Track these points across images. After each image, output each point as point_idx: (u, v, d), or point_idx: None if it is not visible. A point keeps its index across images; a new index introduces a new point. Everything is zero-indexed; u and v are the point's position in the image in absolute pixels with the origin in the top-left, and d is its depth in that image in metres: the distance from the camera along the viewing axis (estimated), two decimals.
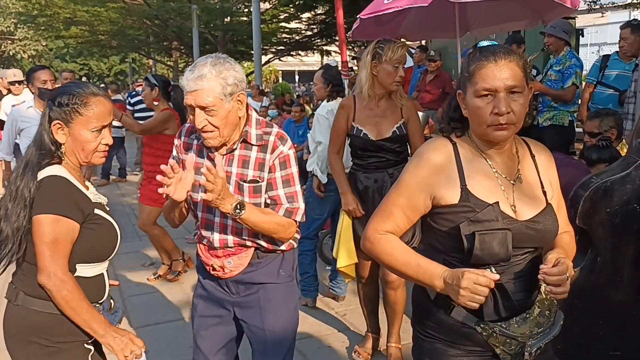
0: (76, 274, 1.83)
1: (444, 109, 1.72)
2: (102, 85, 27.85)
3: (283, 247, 2.13)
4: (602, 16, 18.35)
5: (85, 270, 1.87)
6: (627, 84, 5.27)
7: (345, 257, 3.27)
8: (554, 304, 1.61)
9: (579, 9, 5.49)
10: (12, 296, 1.86)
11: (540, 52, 5.44)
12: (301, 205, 2.07)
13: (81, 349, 1.89)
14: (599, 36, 19.96)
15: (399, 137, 3.13)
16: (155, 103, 4.51)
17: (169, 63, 24.31)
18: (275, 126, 2.11)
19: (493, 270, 1.46)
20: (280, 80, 21.71)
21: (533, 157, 1.66)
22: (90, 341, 1.89)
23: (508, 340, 1.55)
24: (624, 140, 3.88)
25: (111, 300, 2.03)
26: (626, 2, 13.74)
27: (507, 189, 1.57)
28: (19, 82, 5.84)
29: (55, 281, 1.73)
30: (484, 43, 1.59)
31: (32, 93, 4.46)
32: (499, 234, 1.48)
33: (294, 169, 2.06)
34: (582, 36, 8.43)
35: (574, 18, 7.13)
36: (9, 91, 6.01)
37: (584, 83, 5.40)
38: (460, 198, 1.55)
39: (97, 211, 1.88)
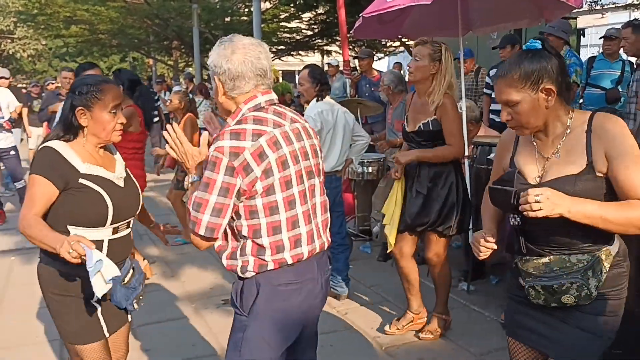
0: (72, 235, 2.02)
1: None
2: None
3: (239, 272, 1.86)
4: (603, 17, 18.34)
5: (80, 232, 2.07)
6: (612, 82, 5.34)
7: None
8: (571, 269, 1.80)
9: (579, 10, 5.49)
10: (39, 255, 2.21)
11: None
12: (205, 217, 1.75)
13: (86, 305, 2.17)
14: (599, 37, 19.92)
15: (423, 132, 3.38)
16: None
17: (169, 62, 24.28)
18: (241, 124, 1.82)
19: (517, 218, 1.84)
20: (281, 80, 21.67)
21: (588, 131, 1.80)
22: (94, 300, 2.17)
23: (519, 273, 1.92)
24: None
25: (129, 274, 2.16)
26: (626, 3, 13.73)
27: (539, 162, 1.88)
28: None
29: (21, 224, 2.00)
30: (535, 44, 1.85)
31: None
32: (501, 191, 1.83)
33: (215, 176, 1.74)
34: (584, 36, 8.45)
35: (575, 18, 7.15)
36: None
37: None
38: (509, 165, 1.98)
39: (83, 181, 2.12)
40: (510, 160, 1.97)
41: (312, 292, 1.91)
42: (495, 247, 1.91)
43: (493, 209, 2.04)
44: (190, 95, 6.44)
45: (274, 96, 1.92)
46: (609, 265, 1.81)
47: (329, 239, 2.03)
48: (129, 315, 2.41)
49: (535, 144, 1.90)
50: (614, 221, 1.69)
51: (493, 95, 6.01)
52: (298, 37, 16.86)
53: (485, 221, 2.07)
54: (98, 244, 2.11)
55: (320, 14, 15.29)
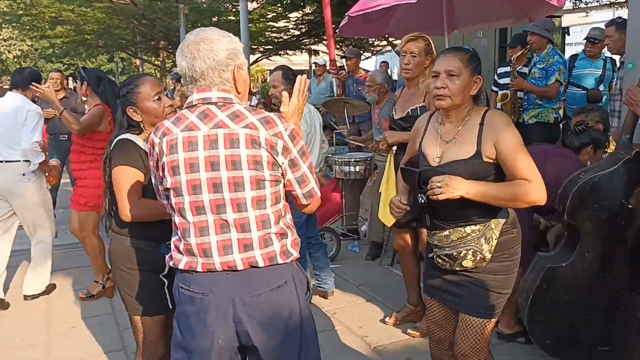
0: None
1: None
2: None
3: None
4: (587, 15, 18.49)
5: None
6: (593, 82, 5.39)
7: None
8: (466, 238, 2.15)
9: (563, 8, 5.54)
10: (110, 234, 2.41)
11: (524, 50, 5.49)
12: None
13: (155, 279, 2.34)
14: (584, 35, 20.00)
15: (411, 117, 3.42)
16: (84, 98, 4.21)
17: (156, 63, 24.14)
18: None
19: (423, 197, 2.13)
20: (268, 80, 21.66)
21: (481, 124, 2.15)
22: (164, 274, 2.32)
23: (430, 245, 2.29)
24: (610, 137, 3.91)
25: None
26: (611, 1, 13.84)
27: (440, 146, 2.23)
28: None
29: (126, 214, 2.23)
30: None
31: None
32: (411, 172, 2.22)
33: None
34: (568, 35, 8.51)
35: (559, 17, 7.20)
36: None
37: None
38: (418, 149, 2.34)
39: None
40: (419, 145, 2.33)
41: (207, 311, 1.77)
42: (407, 208, 2.27)
43: (405, 185, 2.44)
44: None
45: (213, 94, 1.76)
46: (498, 233, 2.16)
47: (252, 262, 1.76)
48: None
49: (439, 130, 2.26)
50: (504, 197, 2.08)
51: (500, 93, 6.04)
52: (285, 37, 16.83)
53: (400, 190, 2.51)
54: (167, 222, 2.14)
55: (308, 13, 15.28)
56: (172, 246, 1.85)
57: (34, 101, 4.50)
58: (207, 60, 1.74)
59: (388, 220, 3.57)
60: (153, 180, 1.92)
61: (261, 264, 1.77)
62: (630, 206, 2.73)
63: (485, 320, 2.24)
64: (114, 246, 2.41)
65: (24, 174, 4.29)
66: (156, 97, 2.39)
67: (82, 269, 4.90)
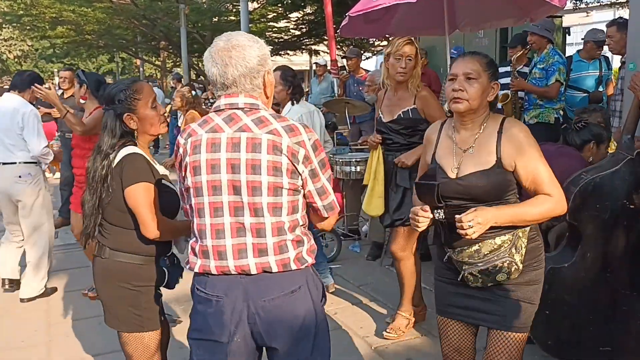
0: None
1: None
2: None
3: None
4: (587, 15, 18.48)
5: None
6: (593, 84, 5.38)
7: (376, 206, 3.62)
8: (499, 250, 2.03)
9: (564, 9, 5.52)
10: (100, 252, 2.30)
11: (524, 50, 5.48)
12: None
13: (155, 293, 2.32)
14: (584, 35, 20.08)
15: (403, 119, 3.47)
16: (82, 101, 4.16)
17: (157, 63, 24.14)
18: None
19: (441, 212, 2.04)
20: None
21: (500, 132, 2.07)
22: (161, 286, 2.34)
23: (455, 263, 2.12)
24: (612, 138, 3.91)
25: (175, 258, 2.38)
26: (611, 1, 13.83)
27: (457, 155, 2.12)
28: None
29: (158, 235, 2.18)
30: None
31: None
32: (427, 185, 2.07)
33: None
34: (569, 35, 8.51)
35: (560, 17, 7.18)
36: None
37: None
38: (431, 160, 2.22)
39: (163, 181, 2.29)
40: (432, 157, 2.22)
41: (223, 312, 1.78)
42: (431, 215, 2.07)
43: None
44: (194, 92, 6.55)
45: (240, 100, 1.77)
46: (526, 241, 2.07)
47: (265, 267, 1.77)
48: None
49: (454, 138, 2.16)
50: (532, 218, 2.04)
51: (499, 93, 6.02)
52: (286, 37, 16.84)
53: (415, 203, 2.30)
54: None
55: (308, 13, 15.28)
56: (189, 248, 1.87)
57: (32, 103, 4.51)
58: (239, 67, 1.74)
59: (372, 210, 3.64)
60: (178, 184, 1.92)
61: (275, 269, 1.77)
62: (632, 206, 2.73)
63: (520, 335, 2.14)
64: (120, 265, 2.26)
65: (20, 176, 4.33)
66: (153, 105, 2.29)
67: (82, 269, 4.89)
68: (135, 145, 2.28)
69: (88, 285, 4.41)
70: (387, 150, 3.58)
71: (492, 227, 1.99)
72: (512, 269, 2.04)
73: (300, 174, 1.75)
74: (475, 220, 1.91)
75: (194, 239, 1.84)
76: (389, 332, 3.55)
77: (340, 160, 5.09)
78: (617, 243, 2.79)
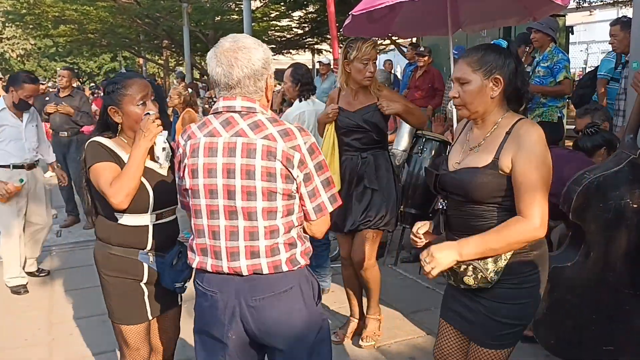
0: (119, 222, 2.26)
1: None
2: (93, 84, 27.66)
3: None
4: (590, 14, 18.47)
5: (125, 219, 2.25)
6: None
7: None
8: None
9: (567, 7, 5.51)
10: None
11: (528, 49, 5.47)
12: None
13: (135, 287, 2.31)
14: (587, 34, 20.06)
15: (367, 112, 3.31)
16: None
17: (159, 62, 24.16)
18: None
19: (443, 202, 2.06)
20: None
21: (508, 133, 1.93)
22: (143, 282, 2.31)
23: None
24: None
25: (176, 258, 2.34)
26: (614, 0, 13.81)
27: (465, 151, 2.06)
28: None
29: (114, 196, 2.16)
30: None
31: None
32: (430, 173, 2.11)
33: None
34: (572, 34, 8.49)
35: (563, 16, 7.17)
36: None
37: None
38: (449, 151, 2.19)
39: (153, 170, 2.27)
40: (450, 148, 2.21)
41: (217, 307, 1.83)
42: (425, 242, 2.11)
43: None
44: (190, 90, 6.55)
45: (237, 103, 1.78)
46: (510, 254, 1.90)
47: (256, 269, 1.78)
48: (179, 298, 2.51)
49: (468, 136, 2.08)
50: (499, 248, 1.87)
51: None
52: (289, 36, 16.85)
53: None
54: (143, 230, 2.29)
55: (311, 12, 15.28)
56: (189, 245, 1.92)
57: (32, 102, 4.57)
58: (244, 69, 1.76)
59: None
60: (177, 180, 1.96)
61: (265, 271, 1.80)
62: (635, 206, 2.72)
63: (495, 352, 2.00)
64: (97, 253, 2.36)
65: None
66: (140, 102, 2.26)
67: (84, 268, 4.90)
68: (110, 138, 2.29)
69: (90, 284, 4.43)
70: (347, 151, 3.37)
71: (476, 228, 1.92)
72: (479, 276, 1.91)
73: (294, 179, 1.77)
74: (428, 256, 1.88)
75: (192, 236, 1.88)
76: (365, 341, 3.46)
77: None
78: (620, 242, 2.78)
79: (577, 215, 2.78)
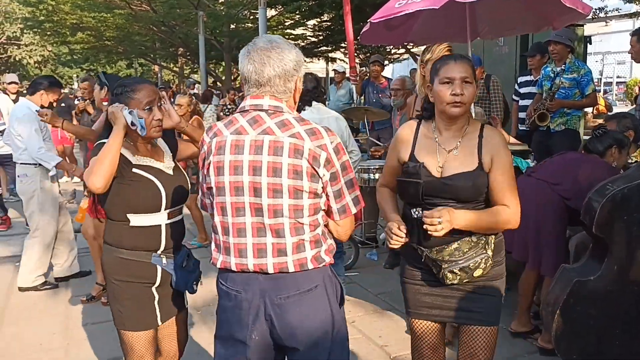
0: (131, 224, 2.24)
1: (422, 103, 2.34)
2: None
3: None
4: (606, 25, 18.32)
5: (137, 219, 2.24)
6: None
7: None
8: (477, 247, 2.10)
9: (588, 16, 5.47)
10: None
11: (544, 59, 5.46)
12: None
13: (146, 292, 2.29)
14: (603, 45, 19.97)
15: None
16: (105, 103, 4.10)
17: (174, 69, 24.35)
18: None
19: (419, 211, 2.10)
20: None
21: (480, 137, 2.15)
22: (155, 286, 2.30)
23: (432, 262, 2.13)
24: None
25: (186, 259, 2.37)
26: (631, 12, 13.70)
27: (441, 155, 2.16)
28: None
29: (87, 182, 2.14)
30: None
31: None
32: (412, 183, 2.12)
33: None
34: (590, 44, 8.41)
35: (582, 26, 7.11)
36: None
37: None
38: (409, 158, 2.21)
39: (136, 170, 2.24)
40: (410, 155, 2.22)
41: (241, 307, 1.83)
42: (407, 240, 2.11)
43: (393, 202, 2.32)
44: (194, 99, 6.61)
45: (264, 102, 1.80)
46: (494, 236, 2.15)
47: (282, 268, 1.79)
48: (186, 301, 2.51)
49: (436, 139, 2.19)
50: (488, 226, 2.10)
51: (521, 102, 6.00)
52: (303, 44, 16.89)
53: (388, 214, 2.28)
54: (156, 229, 2.28)
55: (325, 21, 15.33)
56: (213, 245, 1.91)
57: (51, 105, 4.66)
58: (276, 68, 1.78)
59: None
60: (200, 178, 1.94)
61: (291, 269, 1.80)
62: None
63: (495, 327, 2.23)
64: (105, 258, 2.33)
65: (19, 176, 4.71)
66: (147, 107, 2.26)
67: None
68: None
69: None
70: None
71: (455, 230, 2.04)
72: (488, 264, 2.11)
73: (320, 177, 1.77)
74: (444, 218, 1.98)
75: (217, 235, 1.87)
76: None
77: (359, 167, 5.06)
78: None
79: (600, 228, 2.73)
